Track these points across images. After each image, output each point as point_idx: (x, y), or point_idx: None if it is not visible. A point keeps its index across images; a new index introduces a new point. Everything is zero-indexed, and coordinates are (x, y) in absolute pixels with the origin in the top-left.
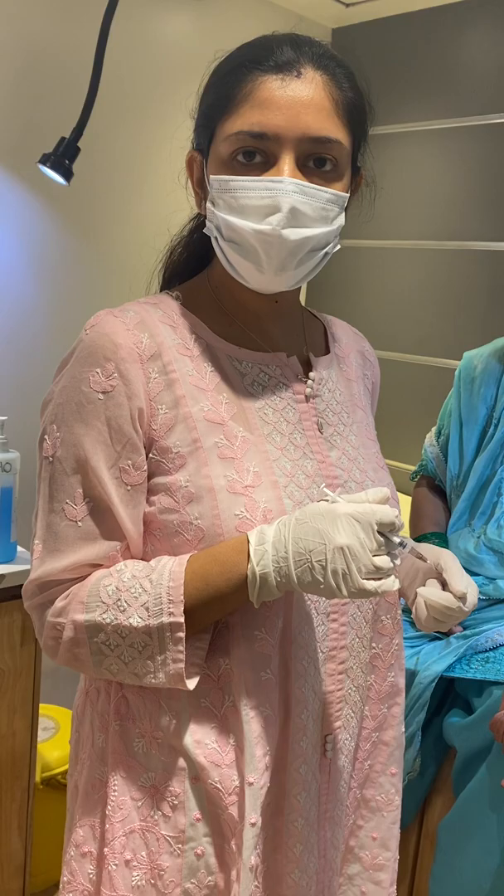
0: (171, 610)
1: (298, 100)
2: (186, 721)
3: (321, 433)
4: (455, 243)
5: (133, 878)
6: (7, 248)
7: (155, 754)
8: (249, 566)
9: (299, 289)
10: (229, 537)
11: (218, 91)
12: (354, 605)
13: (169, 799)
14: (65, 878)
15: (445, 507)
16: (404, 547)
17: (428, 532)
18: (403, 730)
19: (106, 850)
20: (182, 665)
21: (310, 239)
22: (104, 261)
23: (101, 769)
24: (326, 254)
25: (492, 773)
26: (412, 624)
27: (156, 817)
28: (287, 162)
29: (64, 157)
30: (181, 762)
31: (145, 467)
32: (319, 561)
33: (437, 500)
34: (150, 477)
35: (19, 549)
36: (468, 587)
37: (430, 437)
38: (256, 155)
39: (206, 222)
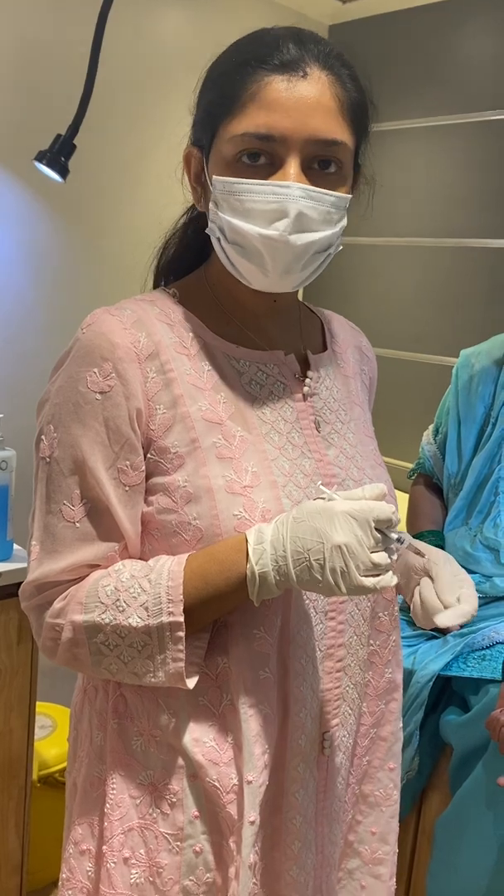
0: (170, 609)
1: (305, 101)
2: (185, 719)
3: (319, 431)
4: (452, 240)
5: (132, 876)
6: (3, 246)
7: (153, 752)
8: (248, 565)
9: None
10: (228, 537)
11: (220, 89)
12: (352, 603)
13: (167, 797)
14: (63, 876)
15: (442, 505)
16: (401, 542)
17: (425, 530)
18: (401, 725)
19: (104, 847)
20: (182, 664)
21: (315, 242)
22: (101, 258)
23: (100, 767)
24: (329, 255)
25: (488, 771)
26: (409, 623)
27: (154, 815)
28: (293, 165)
29: (60, 154)
30: (179, 760)
31: (143, 468)
32: (318, 560)
33: (434, 499)
34: (148, 477)
35: (15, 547)
36: (461, 597)
37: (428, 435)
38: (261, 156)
39: (209, 223)
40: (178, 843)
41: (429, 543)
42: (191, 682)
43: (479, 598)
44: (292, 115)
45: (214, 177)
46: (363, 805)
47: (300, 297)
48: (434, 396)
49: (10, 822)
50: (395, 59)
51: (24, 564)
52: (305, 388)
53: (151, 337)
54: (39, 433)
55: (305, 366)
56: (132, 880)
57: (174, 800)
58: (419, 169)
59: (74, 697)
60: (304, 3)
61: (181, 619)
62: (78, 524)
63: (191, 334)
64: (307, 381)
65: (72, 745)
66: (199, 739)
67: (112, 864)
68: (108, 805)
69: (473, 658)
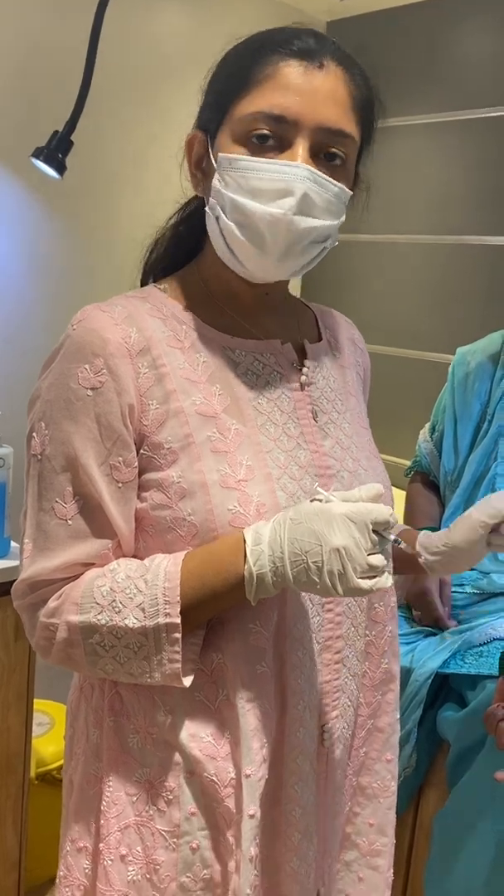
0: (167, 611)
1: (320, 89)
2: (181, 716)
3: (316, 421)
4: (451, 238)
5: (129, 873)
6: (0, 244)
7: (150, 750)
8: (246, 567)
9: (288, 280)
10: (223, 532)
11: (236, 71)
12: None
13: (164, 794)
14: (61, 873)
15: (439, 502)
16: (398, 543)
17: (422, 527)
18: (398, 716)
19: (101, 845)
20: (178, 665)
21: (315, 229)
22: (99, 255)
23: (96, 765)
24: (325, 248)
25: (485, 766)
26: (408, 620)
27: (151, 812)
28: (302, 147)
29: (57, 150)
30: (176, 757)
31: (136, 464)
32: (315, 562)
33: (431, 496)
34: (141, 473)
35: (13, 544)
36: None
37: (424, 432)
38: (270, 139)
39: (209, 201)
40: (175, 840)
41: None
42: (187, 681)
43: (476, 594)
44: (306, 100)
45: (221, 154)
46: (361, 797)
47: (300, 294)
48: (431, 394)
49: (8, 819)
50: (392, 56)
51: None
52: (303, 378)
53: (143, 332)
54: (31, 430)
55: (302, 356)
56: (129, 877)
57: (170, 797)
58: (417, 166)
59: (71, 695)
60: None
61: (178, 620)
62: (70, 521)
63: (184, 327)
64: (304, 369)
65: (68, 743)
66: (196, 735)
67: (109, 862)
68: (104, 802)
69: (471, 654)
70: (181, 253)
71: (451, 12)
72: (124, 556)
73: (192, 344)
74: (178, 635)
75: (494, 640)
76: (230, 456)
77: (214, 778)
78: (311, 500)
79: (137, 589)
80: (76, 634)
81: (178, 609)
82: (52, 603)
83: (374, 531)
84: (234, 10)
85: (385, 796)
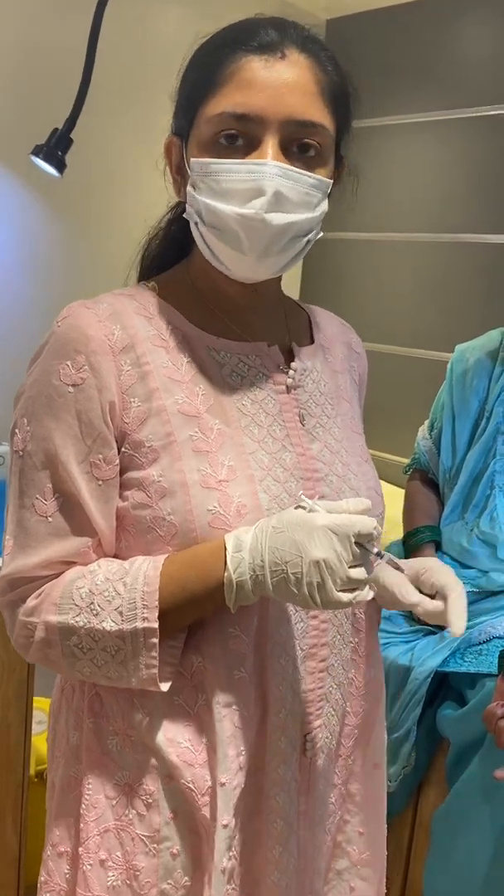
0: (145, 615)
1: (283, 81)
2: (159, 719)
3: (303, 425)
4: (450, 236)
5: (108, 879)
6: None
7: (128, 752)
8: (226, 574)
9: (279, 278)
10: (202, 533)
11: (199, 73)
12: None
13: (143, 797)
14: (42, 878)
15: (438, 500)
16: (381, 557)
17: (421, 525)
18: (385, 724)
19: (81, 849)
20: (155, 671)
21: (293, 224)
22: (98, 253)
23: (76, 767)
24: (309, 241)
25: (484, 764)
26: (407, 619)
27: (130, 816)
28: (271, 145)
29: (57, 148)
30: (154, 760)
31: (117, 462)
32: (295, 573)
33: (430, 494)
34: (122, 472)
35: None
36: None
37: (423, 430)
38: (239, 138)
39: (187, 207)
40: (155, 846)
41: (425, 539)
42: (164, 686)
43: (476, 592)
44: (269, 95)
45: (193, 159)
46: (350, 804)
47: (298, 293)
48: (430, 392)
49: (8, 816)
50: (392, 54)
51: None
52: (289, 380)
53: (127, 330)
54: (14, 426)
55: (290, 358)
56: (109, 883)
57: (150, 800)
58: (416, 164)
59: (53, 695)
60: None
61: (155, 625)
62: (50, 518)
63: (170, 326)
64: (291, 372)
65: (50, 745)
66: (174, 740)
67: (88, 867)
68: (83, 806)
69: (470, 653)
70: (173, 252)
71: (451, 10)
72: (105, 555)
73: (176, 343)
74: (156, 640)
75: (494, 638)
76: (212, 456)
77: (191, 785)
78: (296, 508)
79: (116, 592)
80: (54, 635)
81: (157, 614)
82: (31, 602)
83: (357, 543)
84: (235, 8)
85: (374, 804)
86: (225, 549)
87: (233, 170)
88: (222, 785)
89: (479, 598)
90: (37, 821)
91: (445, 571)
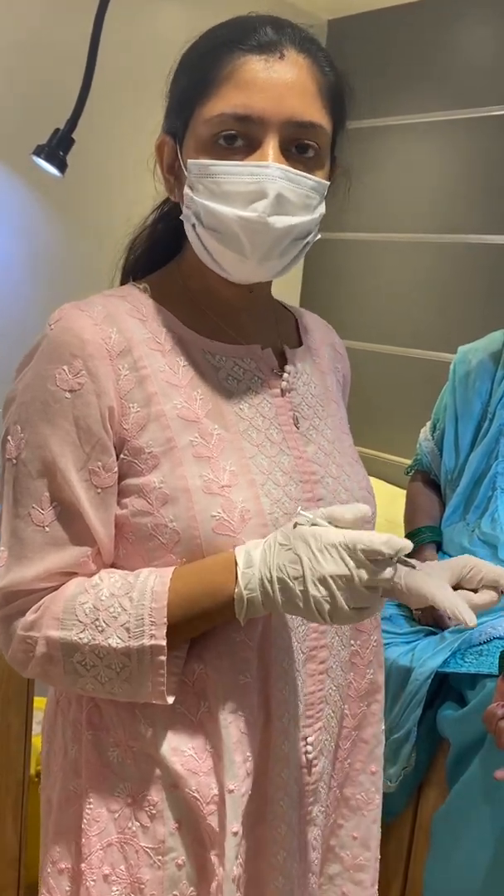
0: (152, 632)
1: (283, 82)
2: (163, 729)
3: (297, 428)
4: (450, 236)
5: (112, 893)
6: (1, 241)
7: (131, 764)
8: (237, 590)
9: (271, 280)
10: (206, 539)
11: (196, 72)
12: None
13: (147, 808)
14: None
15: (440, 501)
16: (413, 567)
17: (423, 526)
18: (383, 728)
19: (83, 865)
20: (163, 687)
21: (294, 227)
22: (99, 253)
23: (75, 781)
24: (307, 243)
25: (485, 765)
26: (408, 620)
27: (134, 829)
28: (272, 146)
29: (58, 148)
30: (157, 771)
31: (116, 469)
32: (303, 590)
33: (431, 495)
34: (121, 478)
35: None
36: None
37: (425, 431)
38: (238, 139)
39: (183, 209)
40: (160, 858)
41: (426, 539)
42: (171, 699)
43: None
44: (270, 96)
45: (190, 161)
46: (345, 808)
47: (298, 293)
48: (432, 393)
49: (8, 817)
50: (394, 55)
51: None
52: (283, 383)
53: (123, 333)
54: (6, 433)
55: (282, 361)
56: None
57: (154, 811)
58: (418, 165)
59: (47, 707)
60: None
61: (163, 642)
62: (48, 528)
63: (164, 329)
64: (285, 376)
65: (44, 760)
66: (178, 748)
67: (91, 882)
68: (84, 820)
69: (471, 654)
70: (160, 252)
71: (452, 11)
72: (104, 564)
73: (172, 347)
74: (163, 658)
75: (494, 638)
76: (213, 461)
77: (196, 794)
78: (294, 525)
79: (122, 608)
80: (56, 651)
81: (164, 631)
82: (30, 615)
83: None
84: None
85: (369, 809)
86: (236, 564)
87: (233, 172)
88: (230, 792)
89: None
90: (37, 821)
91: (489, 565)
